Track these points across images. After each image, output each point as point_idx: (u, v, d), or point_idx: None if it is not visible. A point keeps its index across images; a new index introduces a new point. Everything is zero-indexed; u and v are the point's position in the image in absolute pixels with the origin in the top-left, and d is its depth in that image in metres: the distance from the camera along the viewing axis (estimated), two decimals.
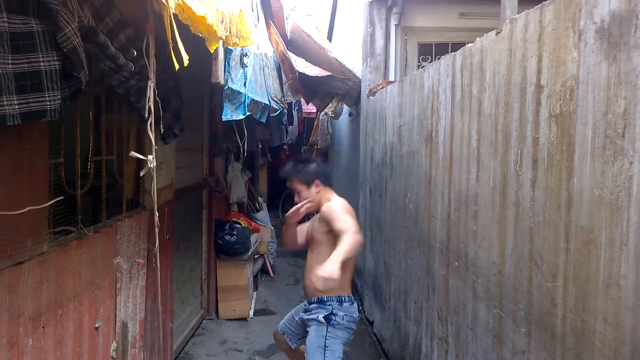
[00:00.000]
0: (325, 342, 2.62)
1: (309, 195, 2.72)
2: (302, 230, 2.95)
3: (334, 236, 2.54)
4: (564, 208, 1.57)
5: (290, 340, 2.95)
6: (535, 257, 1.74)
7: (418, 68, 4.87)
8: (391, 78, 5.01)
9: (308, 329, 2.71)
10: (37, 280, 1.72)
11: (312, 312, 2.70)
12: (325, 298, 2.69)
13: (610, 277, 1.35)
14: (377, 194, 4.67)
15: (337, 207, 2.63)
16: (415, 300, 3.28)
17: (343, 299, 2.71)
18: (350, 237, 2.38)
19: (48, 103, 1.46)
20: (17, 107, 1.43)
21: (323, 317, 2.65)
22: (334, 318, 2.65)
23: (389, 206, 4.16)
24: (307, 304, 2.79)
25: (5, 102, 1.41)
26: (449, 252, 2.64)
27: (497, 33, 2.09)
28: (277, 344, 3.12)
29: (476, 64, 2.31)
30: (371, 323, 4.80)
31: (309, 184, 2.74)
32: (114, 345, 2.38)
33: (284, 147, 10.92)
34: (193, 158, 4.40)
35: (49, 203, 1.64)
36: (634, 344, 1.27)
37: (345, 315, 2.68)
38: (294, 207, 2.76)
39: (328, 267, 2.21)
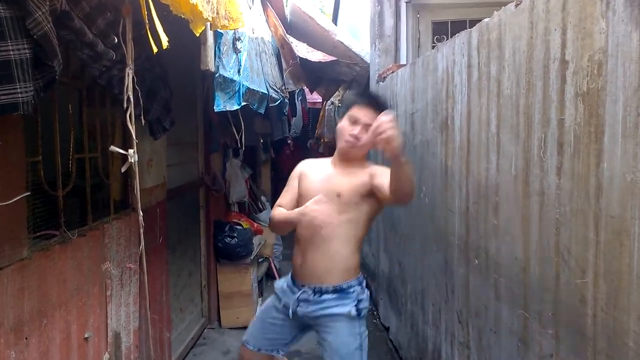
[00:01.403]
0: (361, 341, 2.35)
1: (370, 143, 2.25)
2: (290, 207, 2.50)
3: (368, 205, 2.35)
4: (593, 196, 1.54)
5: (274, 350, 2.54)
6: (562, 251, 1.71)
7: (432, 49, 4.84)
8: (403, 61, 4.98)
9: (324, 330, 2.34)
10: (17, 287, 1.72)
11: (331, 305, 2.33)
12: (344, 285, 2.34)
13: None
14: None
15: None
16: (434, 303, 3.27)
17: (361, 279, 2.46)
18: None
19: (20, 95, 1.46)
20: None
21: (354, 311, 2.33)
22: (362, 308, 2.38)
23: None
24: (311, 293, 2.37)
25: None
26: (469, 249, 2.61)
27: (517, 5, 2.06)
28: None
29: (494, 41, 2.28)
30: (387, 329, 4.79)
31: None
32: (106, 356, 2.39)
33: (288, 141, 10.90)
34: (187, 154, 4.41)
35: (16, 199, 1.64)
36: None
37: (366, 298, 2.44)
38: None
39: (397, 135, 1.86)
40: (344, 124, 2.40)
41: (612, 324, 1.45)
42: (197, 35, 2.09)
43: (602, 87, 1.50)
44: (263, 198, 7.73)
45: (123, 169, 1.76)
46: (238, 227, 5.12)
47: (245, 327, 4.85)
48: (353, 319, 2.34)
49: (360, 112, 2.36)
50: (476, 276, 2.52)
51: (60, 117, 2.12)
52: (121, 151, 1.71)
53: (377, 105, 2.39)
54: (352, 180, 2.39)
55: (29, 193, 1.70)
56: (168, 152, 3.53)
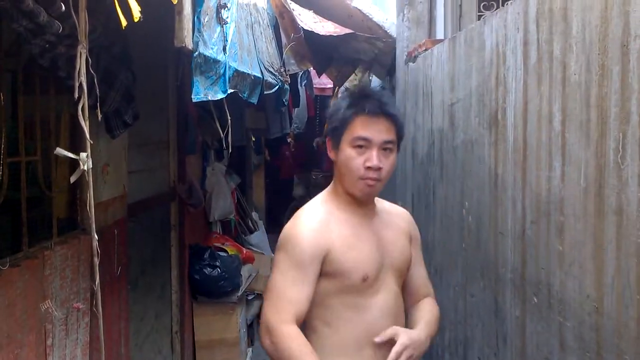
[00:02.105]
0: None
1: (390, 166, 2.11)
2: (304, 300, 2.07)
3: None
4: None
5: None
6: None
7: (478, 20, 4.89)
8: (439, 36, 5.03)
9: None
10: None
11: None
12: None
13: None
14: (423, 204, 4.69)
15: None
16: (480, 356, 3.29)
17: None
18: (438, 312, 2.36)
19: None
20: None
21: None
22: None
23: (440, 221, 4.18)
24: None
25: None
26: (525, 284, 2.64)
27: None
28: None
29: (558, 11, 2.32)
30: None
31: (400, 142, 2.18)
32: None
33: (288, 139, 10.98)
34: (155, 158, 4.47)
35: None
36: None
37: None
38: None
39: (416, 341, 2.04)
40: (348, 154, 2.08)
41: None
42: (175, 1, 2.14)
43: None
44: (255, 215, 7.79)
45: (73, 179, 1.80)
46: (221, 253, 5.18)
47: None
48: None
49: (369, 128, 2.07)
50: (535, 319, 2.54)
51: None
52: (70, 155, 1.75)
53: (386, 109, 2.10)
54: (400, 235, 2.30)
55: None
56: (130, 154, 3.59)
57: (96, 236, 1.93)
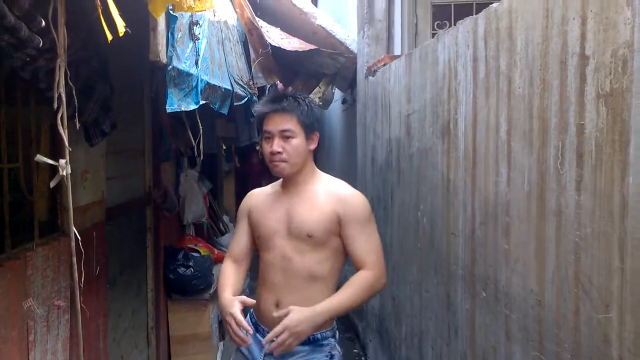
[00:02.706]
0: None
1: (302, 150, 2.42)
2: (242, 246, 2.63)
3: (336, 240, 2.45)
4: (617, 216, 1.61)
5: None
6: (583, 281, 1.77)
7: (432, 37, 4.94)
8: (397, 52, 5.08)
9: None
10: None
11: (302, 358, 2.43)
12: (319, 335, 2.43)
13: None
14: (382, 207, 4.72)
15: (366, 204, 2.53)
16: (433, 346, 3.32)
17: (335, 330, 2.57)
18: (372, 284, 2.41)
19: None
20: None
21: (324, 357, 2.44)
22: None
23: (397, 223, 4.21)
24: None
25: None
26: (475, 279, 2.67)
27: None
28: None
29: (504, 30, 2.36)
30: None
31: (310, 132, 2.45)
32: None
33: (257, 147, 10.95)
34: (131, 165, 4.42)
35: None
36: None
37: (339, 353, 2.54)
38: (239, 331, 2.31)
39: (302, 321, 2.18)
40: (262, 146, 2.47)
41: None
42: (158, 18, 2.12)
43: (628, 87, 1.57)
44: (226, 218, 7.74)
45: (52, 184, 1.78)
46: (194, 254, 5.15)
47: None
48: None
49: (269, 123, 2.42)
50: (483, 312, 2.57)
51: None
52: (50, 161, 1.73)
53: (281, 104, 2.42)
54: (315, 210, 2.45)
55: None
56: (107, 161, 3.54)
57: (76, 237, 1.90)
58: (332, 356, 2.48)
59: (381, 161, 4.71)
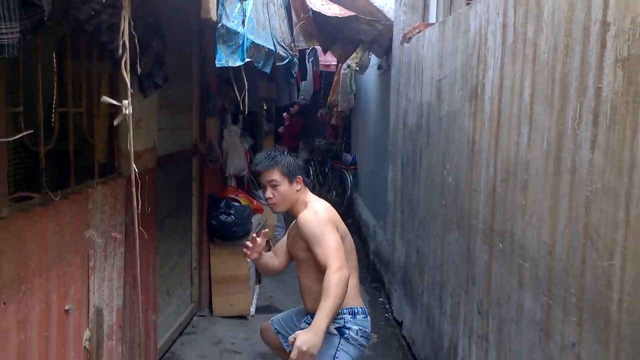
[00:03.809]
0: (335, 353, 2.73)
1: (288, 192, 2.85)
2: (280, 248, 3.18)
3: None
4: (626, 172, 1.65)
5: (284, 342, 3.11)
6: (591, 232, 1.82)
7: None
8: (432, 20, 5.04)
9: None
10: None
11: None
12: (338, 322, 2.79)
13: None
14: (410, 167, 4.76)
15: (315, 219, 2.75)
16: (452, 294, 3.40)
17: (356, 310, 2.83)
18: (334, 279, 2.51)
19: (5, 37, 1.57)
20: None
21: (335, 329, 2.77)
22: (347, 332, 2.77)
23: (424, 182, 4.25)
24: (310, 318, 2.84)
25: None
26: (493, 233, 2.73)
27: None
28: (266, 340, 3.32)
29: None
30: (400, 324, 4.94)
31: (292, 177, 2.86)
32: (87, 333, 2.54)
33: (292, 107, 10.95)
34: (180, 118, 4.53)
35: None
36: None
37: (360, 329, 2.81)
38: (248, 242, 3.00)
39: (308, 340, 2.35)
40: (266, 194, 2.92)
41: (638, 309, 1.57)
42: None
43: None
44: None
45: (116, 122, 1.88)
46: (235, 203, 5.24)
47: (240, 317, 5.06)
48: (331, 335, 2.74)
49: (261, 177, 2.90)
50: (500, 262, 2.64)
51: (44, 67, 2.24)
52: (114, 102, 1.83)
53: (262, 165, 2.87)
54: (293, 237, 2.97)
55: (9, 139, 1.82)
56: (159, 114, 3.64)
57: (135, 168, 2.01)
58: (345, 326, 2.78)
59: (412, 125, 4.73)
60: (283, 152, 2.94)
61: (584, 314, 1.86)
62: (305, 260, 2.86)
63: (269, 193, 2.86)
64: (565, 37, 2.06)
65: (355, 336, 2.78)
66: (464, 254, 3.19)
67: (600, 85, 1.81)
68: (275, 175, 2.83)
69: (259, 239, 2.99)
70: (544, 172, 2.20)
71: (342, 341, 2.76)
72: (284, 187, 2.84)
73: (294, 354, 2.39)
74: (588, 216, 1.85)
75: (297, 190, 2.88)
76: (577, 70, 1.96)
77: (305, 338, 2.38)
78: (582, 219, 1.89)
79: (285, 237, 3.19)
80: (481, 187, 2.93)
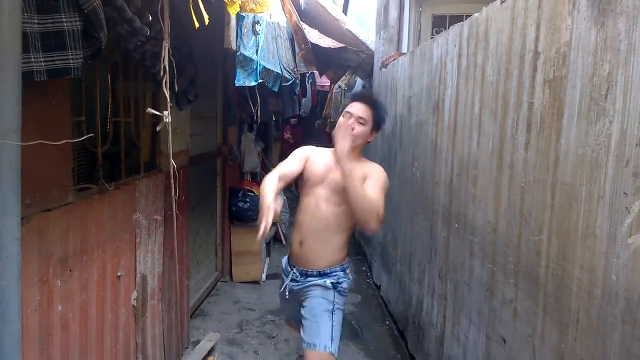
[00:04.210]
0: (333, 307, 2.40)
1: (365, 136, 2.39)
2: (287, 175, 2.46)
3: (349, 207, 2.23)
4: (552, 167, 1.67)
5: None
6: (525, 214, 1.84)
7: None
8: (404, 50, 5.04)
9: (305, 297, 2.44)
10: (64, 227, 1.88)
11: (311, 281, 2.44)
12: (328, 270, 2.44)
13: (587, 228, 1.46)
14: (387, 164, 4.76)
15: (385, 176, 2.38)
16: (419, 263, 3.42)
17: (345, 266, 2.52)
18: (376, 205, 2.15)
19: (71, 61, 1.59)
20: (43, 64, 1.56)
21: (330, 283, 2.42)
22: (339, 286, 2.44)
23: (398, 175, 4.26)
24: (298, 275, 2.47)
25: (33, 59, 1.54)
26: (450, 215, 2.75)
27: (502, 2, 2.16)
28: (294, 328, 2.87)
29: (482, 33, 2.37)
30: (378, 287, 4.97)
31: (377, 128, 2.44)
32: (134, 294, 2.56)
33: (291, 121, 10.74)
34: (207, 127, 4.53)
35: (63, 142, 1.78)
36: (604, 286, 1.38)
37: (348, 282, 2.51)
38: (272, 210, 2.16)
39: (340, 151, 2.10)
40: (340, 120, 2.40)
41: (560, 272, 1.60)
42: (233, 15, 2.17)
43: (565, 75, 1.61)
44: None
45: (158, 128, 1.90)
46: (250, 193, 5.25)
47: (253, 282, 5.08)
48: (328, 289, 2.41)
49: (353, 107, 2.39)
50: (455, 238, 2.66)
51: (100, 85, 2.25)
52: (157, 112, 1.85)
53: (368, 100, 2.40)
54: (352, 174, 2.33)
55: (74, 140, 1.84)
56: (191, 123, 3.64)
57: (170, 172, 2.02)
58: (338, 282, 2.44)
59: (388, 132, 4.74)
60: (383, 106, 2.49)
61: (519, 277, 1.88)
62: (348, 210, 2.29)
63: (353, 122, 2.36)
64: (506, 63, 2.08)
65: (347, 286, 2.48)
66: (428, 232, 3.21)
67: (532, 101, 1.83)
68: (368, 114, 2.38)
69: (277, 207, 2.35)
70: (489, 167, 2.22)
71: (336, 295, 2.43)
72: (366, 128, 2.39)
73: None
74: (523, 201, 1.87)
75: (368, 142, 2.47)
76: (515, 88, 1.98)
77: (339, 149, 2.16)
78: (518, 203, 1.91)
79: (294, 165, 2.51)
80: (442, 180, 2.95)
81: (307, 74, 7.92)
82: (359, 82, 7.45)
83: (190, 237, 3.87)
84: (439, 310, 2.93)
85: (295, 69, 4.53)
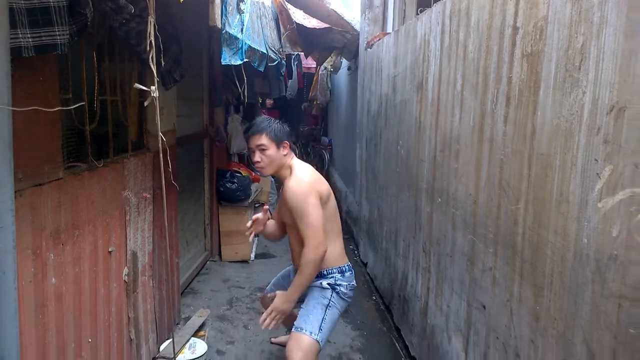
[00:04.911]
0: (328, 302, 2.47)
1: (275, 156, 2.47)
2: (276, 216, 2.78)
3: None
4: (529, 139, 1.73)
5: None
6: (504, 185, 1.91)
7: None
8: (389, 30, 5.05)
9: (304, 296, 2.54)
10: (55, 202, 1.90)
11: (313, 282, 2.49)
12: (325, 272, 2.52)
13: (561, 195, 1.53)
14: (373, 144, 4.82)
15: (299, 192, 2.37)
16: (404, 239, 3.50)
17: (344, 269, 2.55)
18: (310, 259, 2.30)
19: (58, 37, 1.60)
20: (30, 40, 1.57)
21: (327, 284, 2.49)
22: (338, 287, 2.49)
23: (383, 155, 4.32)
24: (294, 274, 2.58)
25: (20, 35, 1.55)
26: (434, 190, 2.82)
27: None
28: (265, 306, 2.93)
29: (464, 10, 2.41)
30: (365, 264, 5.06)
31: (279, 142, 2.50)
32: (125, 270, 2.60)
33: (262, 111, 10.21)
34: (193, 108, 4.53)
35: (54, 109, 1.80)
36: (576, 249, 1.46)
37: (348, 284, 2.54)
38: (254, 219, 2.65)
39: (280, 305, 2.33)
40: (251, 157, 2.56)
41: (536, 239, 1.67)
42: None
43: (542, 49, 1.67)
44: None
45: (146, 103, 1.91)
46: (238, 174, 5.29)
47: (242, 261, 5.14)
48: (324, 289, 2.49)
49: (250, 142, 2.52)
50: (438, 212, 2.73)
51: (87, 65, 2.25)
52: (144, 87, 1.86)
53: (255, 130, 2.50)
54: (283, 203, 2.51)
55: (66, 108, 1.86)
56: (177, 104, 3.64)
57: (157, 151, 2.04)
58: (336, 283, 2.50)
59: (374, 111, 4.78)
60: (270, 119, 2.57)
61: (498, 245, 1.96)
62: (292, 225, 2.49)
63: (257, 157, 2.48)
64: (487, 40, 2.12)
65: (346, 291, 2.51)
66: (412, 208, 3.28)
67: (511, 75, 1.88)
68: (264, 140, 2.46)
69: (260, 215, 2.69)
70: (470, 142, 2.28)
71: (334, 295, 2.49)
72: (272, 151, 2.46)
73: (269, 310, 2.37)
74: (502, 173, 1.94)
75: (284, 155, 2.51)
76: (495, 64, 2.03)
77: (278, 303, 2.37)
78: (498, 175, 1.98)
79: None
80: (425, 157, 3.01)
81: (293, 56, 7.89)
82: (344, 63, 7.45)
83: (179, 217, 3.90)
84: (423, 282, 3.02)
85: (280, 50, 4.53)
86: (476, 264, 2.18)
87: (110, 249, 2.40)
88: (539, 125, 1.67)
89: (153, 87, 1.72)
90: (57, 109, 1.73)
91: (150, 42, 1.68)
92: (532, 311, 1.71)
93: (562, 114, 1.54)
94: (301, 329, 2.40)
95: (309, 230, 2.32)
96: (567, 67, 1.53)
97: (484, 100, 2.14)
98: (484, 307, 2.11)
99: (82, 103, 1.96)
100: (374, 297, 4.39)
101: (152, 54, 1.68)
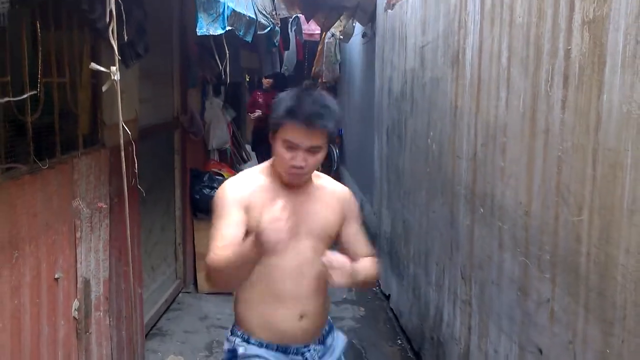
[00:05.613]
0: None
1: (321, 159, 2.10)
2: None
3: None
4: (593, 130, 1.81)
5: None
6: (562, 190, 1.99)
7: None
8: None
9: None
10: None
11: (332, 345, 2.31)
12: (330, 322, 2.36)
13: (634, 202, 1.61)
14: (396, 135, 4.90)
15: (350, 193, 2.35)
16: (437, 262, 3.58)
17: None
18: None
19: None
20: None
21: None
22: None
23: (409, 150, 4.40)
24: (320, 350, 2.25)
25: None
26: (475, 197, 2.90)
27: None
28: None
29: None
30: (387, 297, 5.14)
31: (332, 140, 2.16)
32: (75, 303, 2.69)
33: (258, 93, 9.32)
34: (160, 89, 4.61)
35: None
36: None
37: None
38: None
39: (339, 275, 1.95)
40: (280, 151, 2.04)
41: (604, 259, 1.75)
42: None
43: (607, 14, 1.75)
44: (248, 147, 7.96)
45: (105, 88, 2.00)
46: (219, 177, 5.34)
47: (225, 293, 5.19)
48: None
49: (296, 135, 2.00)
50: (481, 226, 2.81)
51: (28, 38, 2.35)
52: (102, 69, 1.96)
53: (316, 119, 2.00)
54: (329, 208, 2.22)
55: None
56: (140, 84, 3.72)
57: (122, 134, 2.12)
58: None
59: (397, 92, 4.86)
60: (331, 98, 2.16)
61: (557, 269, 2.03)
62: (313, 246, 2.15)
63: (302, 160, 2.01)
64: (538, 1, 2.20)
65: None
66: (447, 220, 3.36)
67: (569, 47, 1.96)
68: (322, 140, 2.04)
69: None
70: (520, 133, 2.35)
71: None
72: (323, 153, 2.08)
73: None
74: (560, 174, 2.01)
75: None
76: (549, 32, 2.11)
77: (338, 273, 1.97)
78: (555, 177, 2.05)
79: (236, 217, 2.07)
80: (463, 152, 3.08)
81: (291, 20, 7.99)
82: (358, 29, 7.54)
83: (142, 234, 3.98)
84: (462, 320, 3.09)
85: (273, 13, 4.62)
86: (529, 294, 2.25)
87: (56, 276, 2.50)
88: (605, 112, 1.75)
89: (113, 68, 1.81)
90: None
91: (111, 10, 1.77)
92: (600, 355, 1.79)
93: (633, 98, 1.62)
94: None
95: (369, 246, 2.29)
96: (638, 39, 1.61)
97: (536, 79, 2.21)
98: (540, 351, 2.19)
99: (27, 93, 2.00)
100: (398, 340, 4.47)
101: (113, 25, 1.78)
